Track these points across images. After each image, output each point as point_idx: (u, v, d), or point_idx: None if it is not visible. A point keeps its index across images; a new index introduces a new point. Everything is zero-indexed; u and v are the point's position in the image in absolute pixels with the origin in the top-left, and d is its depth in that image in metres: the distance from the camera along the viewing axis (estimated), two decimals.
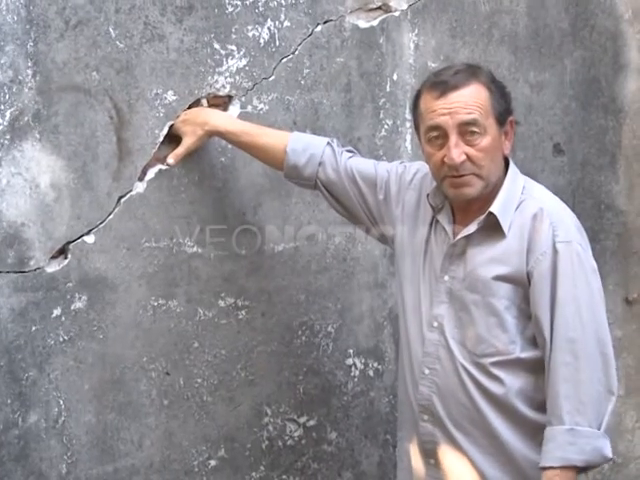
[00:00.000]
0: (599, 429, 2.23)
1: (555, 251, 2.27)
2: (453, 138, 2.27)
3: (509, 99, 2.37)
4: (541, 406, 2.31)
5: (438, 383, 2.36)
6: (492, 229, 2.32)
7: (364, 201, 2.58)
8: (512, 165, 2.40)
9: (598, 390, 2.24)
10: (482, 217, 2.33)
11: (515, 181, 2.38)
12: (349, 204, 2.61)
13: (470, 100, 2.28)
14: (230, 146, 2.70)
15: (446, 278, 2.38)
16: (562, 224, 2.31)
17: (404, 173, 2.56)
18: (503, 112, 2.33)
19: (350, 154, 2.64)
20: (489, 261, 2.32)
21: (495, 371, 2.32)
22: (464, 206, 2.37)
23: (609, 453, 2.25)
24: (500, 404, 2.32)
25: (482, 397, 2.33)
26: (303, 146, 2.60)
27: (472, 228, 2.34)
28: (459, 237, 2.36)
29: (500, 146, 2.34)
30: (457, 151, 2.26)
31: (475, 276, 2.33)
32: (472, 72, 2.33)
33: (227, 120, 2.67)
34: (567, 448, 2.22)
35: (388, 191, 2.56)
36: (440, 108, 2.28)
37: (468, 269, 2.34)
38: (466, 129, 2.27)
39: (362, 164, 2.61)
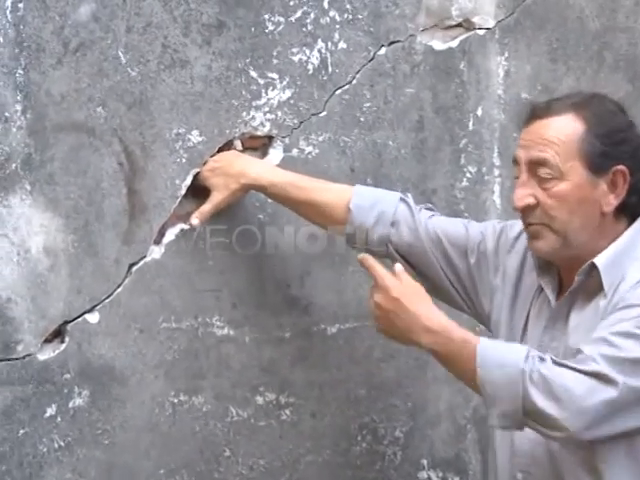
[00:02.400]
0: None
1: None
2: (523, 176, 2.30)
3: (620, 141, 2.31)
4: None
5: None
6: (594, 286, 2.31)
7: (451, 268, 2.57)
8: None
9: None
10: (583, 267, 2.31)
11: (638, 236, 2.35)
12: (431, 273, 2.58)
13: (549, 134, 2.28)
14: (270, 200, 2.70)
15: None
16: None
17: (503, 233, 2.55)
18: (601, 155, 2.29)
19: (430, 212, 2.64)
20: (589, 331, 2.27)
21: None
22: (568, 271, 2.35)
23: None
24: None
25: None
26: (370, 202, 2.60)
27: (574, 283, 2.34)
28: (562, 298, 2.35)
29: (592, 199, 2.29)
30: (521, 192, 2.30)
31: (575, 351, 2.30)
32: (578, 101, 2.32)
33: (271, 171, 2.66)
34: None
35: (483, 255, 2.54)
36: (521, 139, 2.34)
37: (570, 342, 2.32)
38: (536, 170, 2.30)
39: (447, 223, 2.62)
